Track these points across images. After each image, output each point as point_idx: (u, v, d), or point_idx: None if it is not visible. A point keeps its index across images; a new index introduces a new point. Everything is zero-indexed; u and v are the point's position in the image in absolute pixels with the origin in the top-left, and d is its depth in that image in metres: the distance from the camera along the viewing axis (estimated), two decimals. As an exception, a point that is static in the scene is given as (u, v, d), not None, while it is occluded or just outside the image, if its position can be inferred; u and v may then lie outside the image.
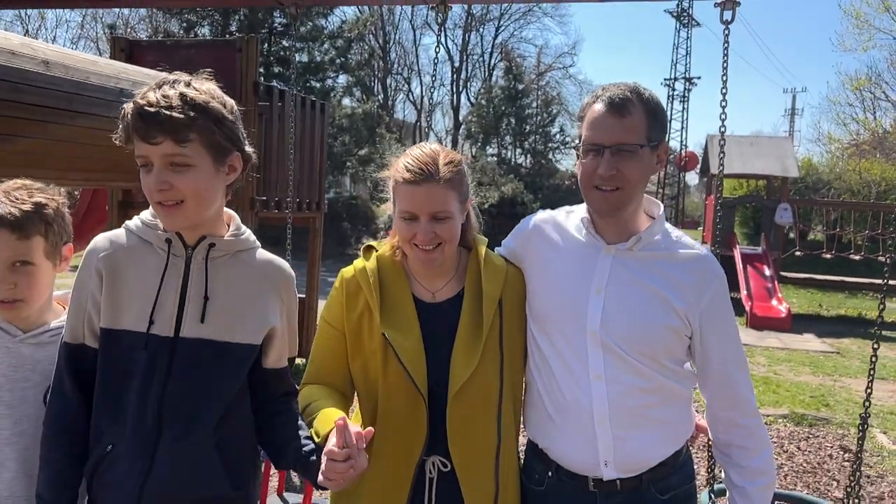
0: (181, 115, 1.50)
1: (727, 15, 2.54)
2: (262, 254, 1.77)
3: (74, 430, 1.63)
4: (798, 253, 13.13)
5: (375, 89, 30.36)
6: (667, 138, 1.72)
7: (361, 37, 25.71)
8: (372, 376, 1.77)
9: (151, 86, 1.56)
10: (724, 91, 2.56)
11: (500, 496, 1.77)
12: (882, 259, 12.72)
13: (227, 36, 20.20)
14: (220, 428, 1.63)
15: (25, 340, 1.72)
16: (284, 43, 21.15)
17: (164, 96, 1.51)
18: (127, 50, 5.98)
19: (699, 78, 37.03)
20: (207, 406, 1.62)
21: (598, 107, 1.71)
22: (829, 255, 12.99)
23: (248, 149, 1.68)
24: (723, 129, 2.68)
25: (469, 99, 34.92)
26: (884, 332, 10.36)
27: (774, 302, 11.53)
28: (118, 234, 1.69)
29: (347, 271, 1.87)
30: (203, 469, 1.60)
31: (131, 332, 1.61)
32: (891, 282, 11.87)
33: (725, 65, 2.56)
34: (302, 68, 20.22)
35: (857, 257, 12.24)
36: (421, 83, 34.64)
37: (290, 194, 3.82)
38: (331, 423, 1.52)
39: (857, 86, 25.96)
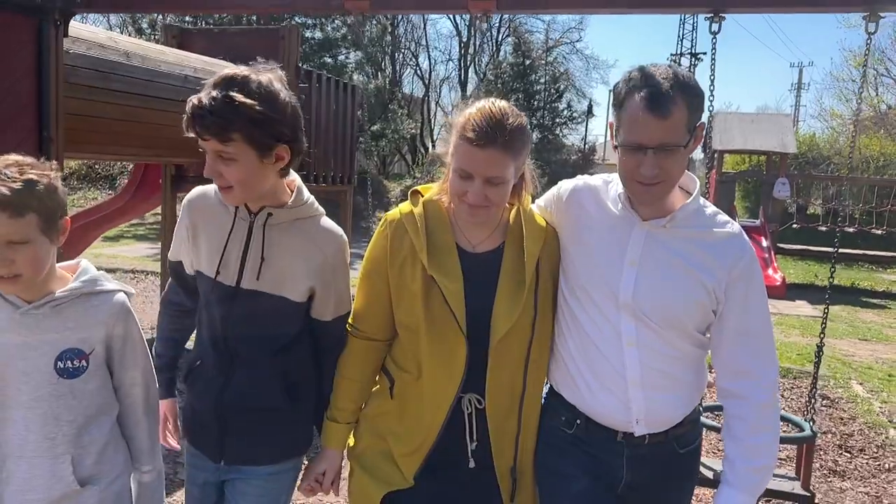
0: (221, 120, 1.67)
1: (715, 27, 2.86)
2: (322, 221, 1.95)
3: (184, 311, 2.11)
4: (795, 226, 13.67)
5: (384, 64, 30.59)
6: (703, 117, 1.73)
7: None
8: (415, 317, 1.85)
9: (210, 83, 1.72)
10: (711, 88, 2.88)
11: (522, 436, 1.90)
12: (877, 231, 13.31)
13: (244, 16, 20.56)
14: (281, 360, 1.93)
15: (30, 311, 1.72)
16: (297, 20, 21.49)
17: (212, 99, 1.67)
18: (178, 37, 6.53)
19: (704, 53, 37.09)
20: (266, 341, 1.91)
21: (639, 104, 1.66)
22: (824, 228, 13.54)
23: (299, 139, 1.82)
24: (711, 109, 2.89)
25: (477, 73, 35.13)
26: (871, 300, 10.98)
27: (770, 271, 12.03)
28: (209, 189, 1.95)
29: (392, 214, 1.93)
30: (265, 388, 1.92)
31: (205, 276, 1.92)
32: (889, 253, 12.53)
33: (713, 65, 2.95)
34: (317, 45, 20.57)
35: (851, 230, 12.77)
36: (429, 57, 34.82)
37: (369, 178, 4.22)
38: (329, 442, 2.01)
39: (861, 62, 26.21)
